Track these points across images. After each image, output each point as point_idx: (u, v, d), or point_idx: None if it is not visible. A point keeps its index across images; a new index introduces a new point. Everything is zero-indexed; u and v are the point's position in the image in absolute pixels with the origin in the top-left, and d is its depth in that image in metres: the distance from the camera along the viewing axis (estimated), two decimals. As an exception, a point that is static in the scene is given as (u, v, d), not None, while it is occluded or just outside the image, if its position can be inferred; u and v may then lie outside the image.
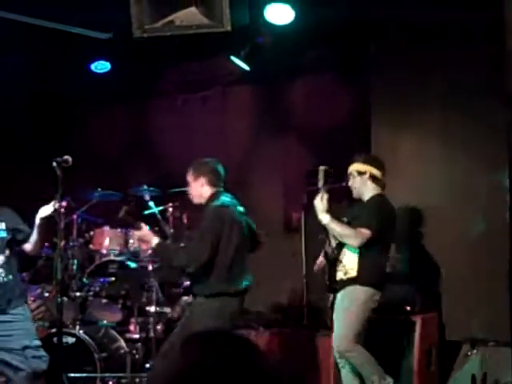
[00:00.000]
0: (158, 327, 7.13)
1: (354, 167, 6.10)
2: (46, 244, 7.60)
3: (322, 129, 8.31)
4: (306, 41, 7.94)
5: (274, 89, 8.75)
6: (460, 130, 7.10)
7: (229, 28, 5.89)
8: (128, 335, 7.24)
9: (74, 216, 7.59)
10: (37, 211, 6.05)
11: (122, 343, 7.13)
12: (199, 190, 6.02)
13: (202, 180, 6.01)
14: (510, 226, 3.55)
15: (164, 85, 9.48)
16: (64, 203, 6.08)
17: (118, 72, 8.97)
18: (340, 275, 5.99)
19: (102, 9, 7.19)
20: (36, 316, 7.54)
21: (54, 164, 5.75)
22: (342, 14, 7.31)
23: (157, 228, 7.87)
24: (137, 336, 7.20)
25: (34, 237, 5.96)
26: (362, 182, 6.05)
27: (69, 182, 5.84)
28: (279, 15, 7.33)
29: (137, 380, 6.92)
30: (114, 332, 7.23)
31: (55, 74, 9.08)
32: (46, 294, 7.40)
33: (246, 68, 8.30)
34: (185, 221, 7.75)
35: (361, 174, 6.04)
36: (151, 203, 7.83)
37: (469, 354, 6.19)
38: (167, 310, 7.29)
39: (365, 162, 6.09)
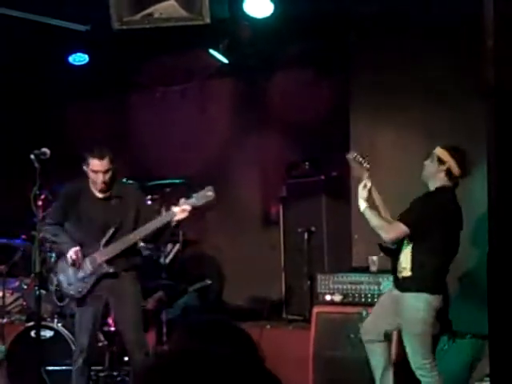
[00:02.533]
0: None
1: (440, 153, 5.62)
2: (23, 236, 7.57)
3: (301, 122, 8.32)
4: (286, 34, 7.94)
5: (253, 82, 8.75)
6: (440, 125, 7.12)
7: (208, 21, 5.89)
8: (106, 328, 7.21)
9: (52, 209, 7.54)
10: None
11: (100, 336, 7.10)
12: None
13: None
14: (489, 219, 3.57)
15: (142, 78, 9.45)
16: (42, 196, 6.07)
17: (96, 64, 8.92)
18: (398, 273, 5.70)
19: (81, 0, 7.16)
20: (13, 309, 7.52)
21: (32, 156, 5.74)
22: (322, 7, 7.32)
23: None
24: (115, 329, 7.18)
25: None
26: (436, 171, 5.61)
27: (47, 174, 5.82)
28: (258, 8, 7.32)
29: (115, 373, 6.90)
30: (91, 325, 7.20)
31: (33, 66, 9.02)
32: (24, 287, 7.37)
33: (225, 61, 8.29)
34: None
35: (440, 161, 5.60)
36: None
37: (445, 347, 6.23)
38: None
39: (452, 155, 5.60)
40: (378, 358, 5.84)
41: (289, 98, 8.58)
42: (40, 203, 5.97)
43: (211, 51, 8.20)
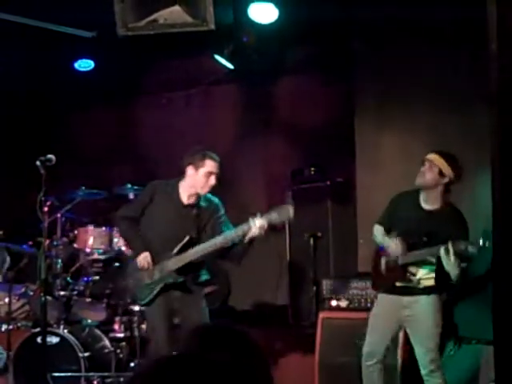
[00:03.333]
0: (143, 326, 7.11)
1: (440, 162, 5.58)
2: (30, 243, 7.59)
3: (306, 127, 8.33)
4: (290, 39, 7.96)
5: (258, 87, 8.76)
6: (445, 131, 7.11)
7: (212, 26, 5.89)
8: (112, 334, 7.22)
9: (58, 215, 7.56)
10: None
11: (107, 342, 7.11)
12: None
13: None
14: (494, 224, 3.57)
15: (148, 83, 9.47)
16: (48, 202, 6.09)
17: (101, 70, 8.95)
18: (406, 283, 5.67)
19: (86, 7, 7.17)
20: (19, 315, 7.53)
21: (38, 163, 5.76)
22: (326, 12, 7.31)
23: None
24: (121, 335, 7.19)
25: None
26: (435, 181, 5.59)
27: (53, 180, 5.83)
28: (263, 14, 7.34)
29: (121, 379, 6.90)
30: (98, 331, 7.21)
31: (39, 72, 9.04)
32: (30, 294, 7.38)
33: (230, 67, 8.30)
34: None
35: (442, 174, 5.58)
36: (135, 202, 7.80)
37: (451, 352, 6.22)
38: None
39: (453, 168, 5.58)
40: (381, 377, 5.84)
41: (294, 104, 8.59)
42: (46, 209, 5.98)
43: (216, 57, 8.21)
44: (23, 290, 7.43)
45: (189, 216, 6.03)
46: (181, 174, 6.10)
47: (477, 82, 6.04)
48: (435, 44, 7.17)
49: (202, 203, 6.07)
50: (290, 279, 8.05)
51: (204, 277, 6.15)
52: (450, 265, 5.33)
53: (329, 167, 8.10)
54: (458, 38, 6.89)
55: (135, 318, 7.07)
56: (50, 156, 5.80)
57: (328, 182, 7.92)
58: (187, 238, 5.93)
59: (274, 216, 5.80)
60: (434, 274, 5.58)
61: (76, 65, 8.91)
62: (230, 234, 5.86)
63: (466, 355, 6.17)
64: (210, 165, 5.97)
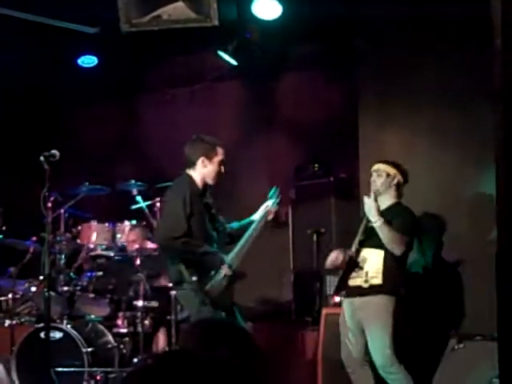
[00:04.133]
0: (146, 322, 7.12)
1: (385, 168, 6.01)
2: (33, 238, 7.59)
3: (309, 124, 8.33)
4: (294, 36, 7.95)
5: (262, 84, 8.75)
6: (448, 128, 7.10)
7: (216, 23, 5.91)
8: (115, 330, 7.22)
9: (62, 210, 7.57)
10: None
11: (110, 338, 7.12)
12: None
13: None
14: (497, 220, 3.57)
15: (152, 79, 9.47)
16: (51, 197, 6.10)
17: (105, 67, 8.96)
18: (358, 282, 5.86)
19: (90, 3, 7.18)
20: (23, 311, 7.55)
21: (42, 158, 5.76)
22: (330, 9, 7.31)
23: (144, 223, 7.87)
24: (124, 330, 7.19)
25: None
26: (387, 184, 5.98)
27: (56, 176, 5.83)
28: (267, 10, 7.35)
29: (124, 374, 6.91)
30: (101, 326, 7.22)
31: (42, 68, 9.05)
32: (33, 289, 7.39)
33: (234, 63, 8.30)
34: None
35: (389, 176, 5.99)
36: (139, 198, 7.82)
37: (455, 347, 6.21)
38: (155, 304, 7.28)
39: (396, 168, 6.02)
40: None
41: (297, 100, 8.58)
42: (49, 205, 5.99)
43: (220, 53, 8.21)
44: (26, 285, 7.45)
45: (210, 209, 5.99)
46: (182, 170, 6.05)
47: (479, 79, 6.05)
48: (438, 41, 7.16)
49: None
50: (294, 275, 8.05)
51: None
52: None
53: (332, 164, 8.10)
54: (461, 35, 6.88)
55: (138, 314, 7.08)
56: (53, 151, 5.81)
57: (331, 179, 7.91)
58: (220, 229, 6.06)
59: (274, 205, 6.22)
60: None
61: (79, 61, 8.91)
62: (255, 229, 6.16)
63: (469, 351, 6.17)
64: (222, 153, 5.90)
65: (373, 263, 5.85)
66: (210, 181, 5.89)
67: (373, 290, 5.80)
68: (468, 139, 6.88)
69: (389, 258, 5.79)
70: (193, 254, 5.68)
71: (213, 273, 5.71)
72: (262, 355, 1.91)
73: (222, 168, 5.89)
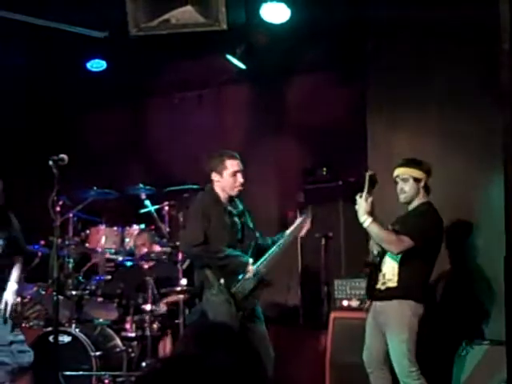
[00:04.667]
0: (154, 325, 7.13)
1: (411, 172, 5.84)
2: (42, 242, 7.61)
3: (318, 127, 8.32)
4: (302, 39, 7.95)
5: (270, 87, 8.76)
6: (458, 130, 7.08)
7: (225, 27, 5.89)
8: (124, 333, 7.23)
9: (70, 214, 7.59)
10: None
11: (118, 341, 7.13)
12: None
13: None
14: (506, 225, 3.56)
15: (160, 83, 9.49)
16: (60, 201, 6.11)
17: (113, 71, 8.97)
18: (379, 284, 5.81)
19: (98, 7, 7.19)
20: (31, 315, 7.55)
21: (50, 162, 5.77)
22: (339, 12, 7.31)
23: (153, 227, 7.88)
24: (132, 334, 7.20)
25: None
26: (416, 189, 5.84)
27: (65, 180, 5.84)
28: (275, 14, 7.34)
29: (132, 378, 6.92)
30: (109, 330, 7.24)
31: (51, 73, 9.07)
32: (42, 293, 7.40)
33: (242, 67, 8.31)
34: (181, 219, 7.74)
35: (417, 180, 5.82)
36: (147, 202, 7.83)
37: (463, 353, 6.20)
38: (163, 308, 7.29)
39: (422, 169, 5.86)
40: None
41: (306, 104, 8.58)
42: (58, 209, 6.00)
43: (228, 57, 8.22)
44: (35, 289, 7.46)
45: (235, 221, 6.13)
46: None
47: (489, 82, 6.03)
48: (448, 44, 7.14)
49: (239, 206, 6.23)
50: (302, 279, 8.04)
51: None
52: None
53: (341, 167, 8.09)
54: (471, 37, 6.86)
55: (146, 318, 7.09)
56: (62, 155, 5.82)
57: (340, 182, 7.91)
58: (253, 243, 6.20)
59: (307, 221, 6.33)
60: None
61: (88, 65, 8.93)
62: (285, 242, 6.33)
63: (478, 356, 6.15)
64: (231, 164, 6.07)
65: (389, 265, 5.77)
66: (229, 192, 6.11)
67: (388, 293, 5.71)
68: (478, 142, 6.85)
69: (405, 261, 5.66)
70: (214, 258, 5.91)
71: (240, 276, 5.92)
72: (261, 359, 1.90)
73: (237, 178, 6.06)
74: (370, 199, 5.77)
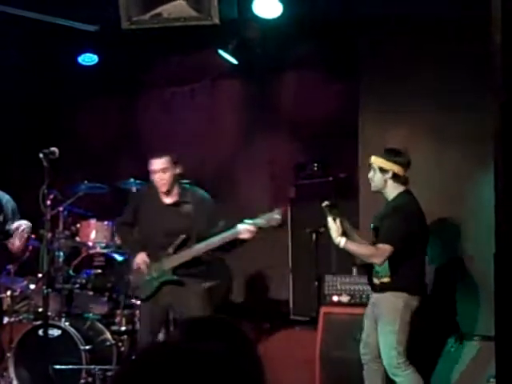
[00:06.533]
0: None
1: (377, 161, 5.80)
2: (32, 236, 7.59)
3: (310, 123, 8.33)
4: (295, 35, 7.94)
5: (262, 83, 8.75)
6: (449, 128, 7.09)
7: (217, 21, 5.89)
8: (114, 327, 7.22)
9: (61, 208, 7.57)
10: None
11: (108, 335, 7.11)
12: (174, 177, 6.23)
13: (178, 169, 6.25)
14: (496, 220, 3.57)
15: (152, 78, 9.47)
16: (51, 195, 6.10)
17: (105, 65, 8.95)
18: (374, 280, 5.85)
19: (90, 1, 7.17)
20: (21, 308, 7.54)
21: (41, 155, 5.76)
22: (331, 8, 7.32)
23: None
24: (123, 328, 7.19)
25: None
26: (383, 180, 5.78)
27: (56, 174, 5.84)
28: (267, 9, 7.33)
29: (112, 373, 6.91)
30: (99, 324, 7.22)
31: (42, 66, 9.05)
32: (32, 287, 7.38)
33: (234, 62, 8.30)
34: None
35: (383, 171, 5.77)
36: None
37: (452, 349, 6.22)
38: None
39: (388, 158, 5.79)
40: (372, 377, 5.88)
41: (298, 99, 8.59)
42: (49, 202, 5.99)
43: (220, 52, 8.21)
44: (25, 282, 7.44)
45: (176, 215, 6.22)
46: (185, 169, 6.25)
47: (480, 79, 6.04)
48: (439, 41, 7.15)
49: (190, 200, 6.25)
50: (292, 274, 8.05)
51: (200, 270, 6.31)
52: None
53: (331, 163, 8.10)
54: (462, 34, 6.87)
55: (137, 312, 7.08)
56: (53, 149, 5.81)
57: (331, 178, 7.91)
58: (182, 238, 6.13)
59: (262, 222, 5.97)
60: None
61: (80, 59, 8.90)
62: (216, 239, 6.03)
63: (467, 351, 6.17)
64: (151, 163, 6.22)
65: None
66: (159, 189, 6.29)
67: (383, 286, 5.76)
68: (469, 139, 6.86)
69: (395, 257, 5.65)
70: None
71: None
72: (256, 350, 1.90)
73: (156, 177, 6.21)
74: (338, 220, 5.76)
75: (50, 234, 6.44)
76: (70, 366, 6.71)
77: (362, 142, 7.78)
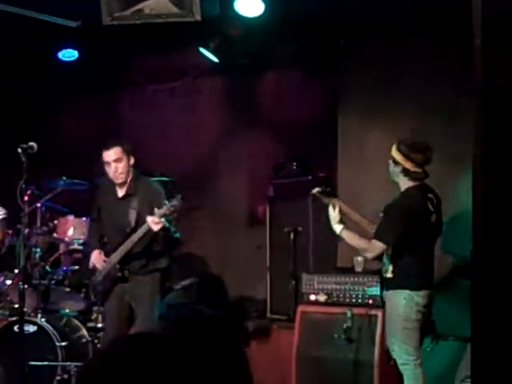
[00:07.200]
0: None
1: (393, 152, 5.75)
2: (9, 231, 7.55)
3: (289, 122, 8.33)
4: (276, 34, 7.95)
5: (243, 81, 8.75)
6: (429, 128, 7.12)
7: (199, 18, 5.88)
8: (90, 324, 7.20)
9: (38, 204, 7.52)
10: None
11: (84, 332, 7.09)
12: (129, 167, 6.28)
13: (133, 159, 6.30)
14: (473, 219, 3.58)
15: (132, 75, 9.44)
16: (28, 191, 6.07)
17: (86, 61, 8.92)
18: (383, 275, 5.87)
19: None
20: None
21: (19, 150, 5.73)
22: (313, 7, 7.33)
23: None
24: (99, 325, 7.16)
25: None
26: (395, 173, 5.78)
27: (34, 170, 5.80)
28: (249, 7, 7.35)
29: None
30: (76, 321, 7.20)
31: (22, 62, 9.00)
32: (8, 282, 7.34)
33: (215, 60, 8.29)
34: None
35: (395, 163, 5.75)
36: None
37: (428, 349, 6.24)
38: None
39: (403, 152, 5.70)
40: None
41: (278, 98, 8.59)
42: (26, 198, 5.95)
43: (201, 50, 8.20)
44: (1, 278, 7.39)
45: (125, 208, 6.28)
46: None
47: (462, 80, 6.06)
48: (421, 40, 7.18)
49: (137, 192, 6.30)
50: (270, 273, 8.05)
51: (155, 265, 6.34)
52: None
53: (311, 162, 8.10)
54: (445, 34, 6.90)
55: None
56: (31, 144, 5.78)
57: (310, 177, 7.92)
58: (127, 231, 6.18)
59: (162, 212, 5.86)
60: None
61: (60, 54, 8.87)
62: (137, 234, 6.09)
63: (443, 352, 6.20)
64: (103, 156, 6.27)
65: (385, 258, 5.79)
66: (114, 181, 6.34)
67: (387, 283, 5.80)
68: (449, 140, 6.89)
69: (397, 252, 5.68)
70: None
71: None
72: (240, 342, 1.90)
73: (109, 169, 6.25)
74: (337, 207, 5.83)
75: (27, 230, 6.41)
76: (46, 363, 6.68)
77: (341, 142, 7.81)
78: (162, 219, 5.85)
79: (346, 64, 7.87)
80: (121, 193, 6.31)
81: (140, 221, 6.11)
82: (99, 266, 6.32)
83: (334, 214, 5.83)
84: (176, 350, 1.53)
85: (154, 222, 5.87)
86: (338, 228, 5.80)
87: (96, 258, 6.34)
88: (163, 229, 5.95)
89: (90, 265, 6.37)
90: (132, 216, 6.20)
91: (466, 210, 5.29)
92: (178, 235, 6.31)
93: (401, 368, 5.67)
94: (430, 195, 5.78)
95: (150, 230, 5.95)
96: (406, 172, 5.72)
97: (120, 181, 6.24)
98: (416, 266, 5.71)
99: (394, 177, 5.81)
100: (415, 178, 5.75)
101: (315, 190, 6.03)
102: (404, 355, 5.63)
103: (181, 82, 9.27)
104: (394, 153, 5.73)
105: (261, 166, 8.57)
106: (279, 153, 8.49)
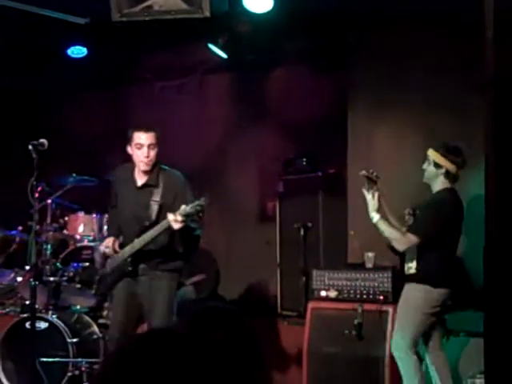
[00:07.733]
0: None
1: (434, 155, 5.88)
2: (20, 228, 7.57)
3: (299, 118, 8.32)
4: (285, 30, 7.94)
5: (252, 77, 8.74)
6: (439, 122, 7.11)
7: (208, 14, 5.86)
8: (101, 320, 7.21)
9: (49, 201, 7.54)
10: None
11: (95, 328, 7.10)
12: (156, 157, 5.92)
13: None
14: (486, 216, 3.57)
15: (141, 71, 9.45)
16: (39, 187, 6.07)
17: (94, 57, 8.92)
18: (405, 269, 5.95)
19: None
20: (8, 301, 7.52)
21: (30, 147, 5.73)
22: (321, 3, 7.31)
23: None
24: (110, 321, 7.18)
25: None
26: (435, 174, 5.89)
27: (44, 166, 5.81)
28: (258, 3, 7.33)
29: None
30: (87, 317, 7.21)
31: (31, 59, 9.01)
32: (19, 279, 7.36)
33: (224, 56, 8.28)
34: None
35: (437, 166, 5.86)
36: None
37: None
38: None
39: (446, 155, 5.84)
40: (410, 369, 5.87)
41: (287, 94, 8.58)
42: (37, 195, 5.96)
43: (210, 46, 8.19)
44: (12, 275, 7.42)
45: (144, 199, 5.93)
46: (170, 162, 6.13)
47: (470, 75, 6.05)
48: (431, 35, 7.16)
49: (163, 185, 5.92)
50: (280, 269, 8.05)
51: (173, 264, 6.00)
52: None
53: (320, 158, 8.10)
54: (455, 28, 6.88)
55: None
56: (42, 140, 5.77)
57: (320, 173, 7.92)
58: (146, 224, 5.83)
59: (186, 210, 5.48)
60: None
61: (69, 51, 8.87)
62: (153, 232, 5.74)
63: (453, 347, 6.19)
64: (137, 136, 5.86)
65: (410, 251, 5.87)
66: (139, 166, 5.93)
67: (409, 277, 5.87)
68: (457, 136, 6.86)
69: (423, 249, 5.78)
70: None
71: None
72: (257, 337, 1.89)
73: (143, 152, 5.83)
74: (376, 196, 5.92)
75: (37, 227, 6.40)
76: (57, 359, 6.69)
77: (351, 138, 7.80)
78: (185, 218, 5.49)
79: (355, 59, 7.85)
80: (140, 181, 5.95)
81: (161, 215, 5.79)
82: (108, 251, 5.99)
83: (373, 201, 5.92)
84: (195, 345, 1.53)
85: (175, 220, 5.51)
86: (375, 216, 5.87)
87: (109, 242, 5.99)
88: (184, 228, 5.60)
89: (101, 249, 6.06)
90: (153, 209, 5.85)
91: (477, 209, 5.31)
92: (199, 232, 5.97)
93: (394, 353, 5.80)
94: (460, 198, 5.93)
95: (169, 227, 5.61)
96: (447, 174, 5.86)
97: (147, 168, 5.86)
98: (440, 264, 5.81)
99: (432, 178, 5.92)
100: (452, 181, 5.91)
101: (362, 172, 6.05)
102: (400, 339, 5.73)
103: (189, 79, 9.27)
104: (435, 156, 5.87)
105: (270, 162, 8.57)
106: (288, 149, 8.49)
